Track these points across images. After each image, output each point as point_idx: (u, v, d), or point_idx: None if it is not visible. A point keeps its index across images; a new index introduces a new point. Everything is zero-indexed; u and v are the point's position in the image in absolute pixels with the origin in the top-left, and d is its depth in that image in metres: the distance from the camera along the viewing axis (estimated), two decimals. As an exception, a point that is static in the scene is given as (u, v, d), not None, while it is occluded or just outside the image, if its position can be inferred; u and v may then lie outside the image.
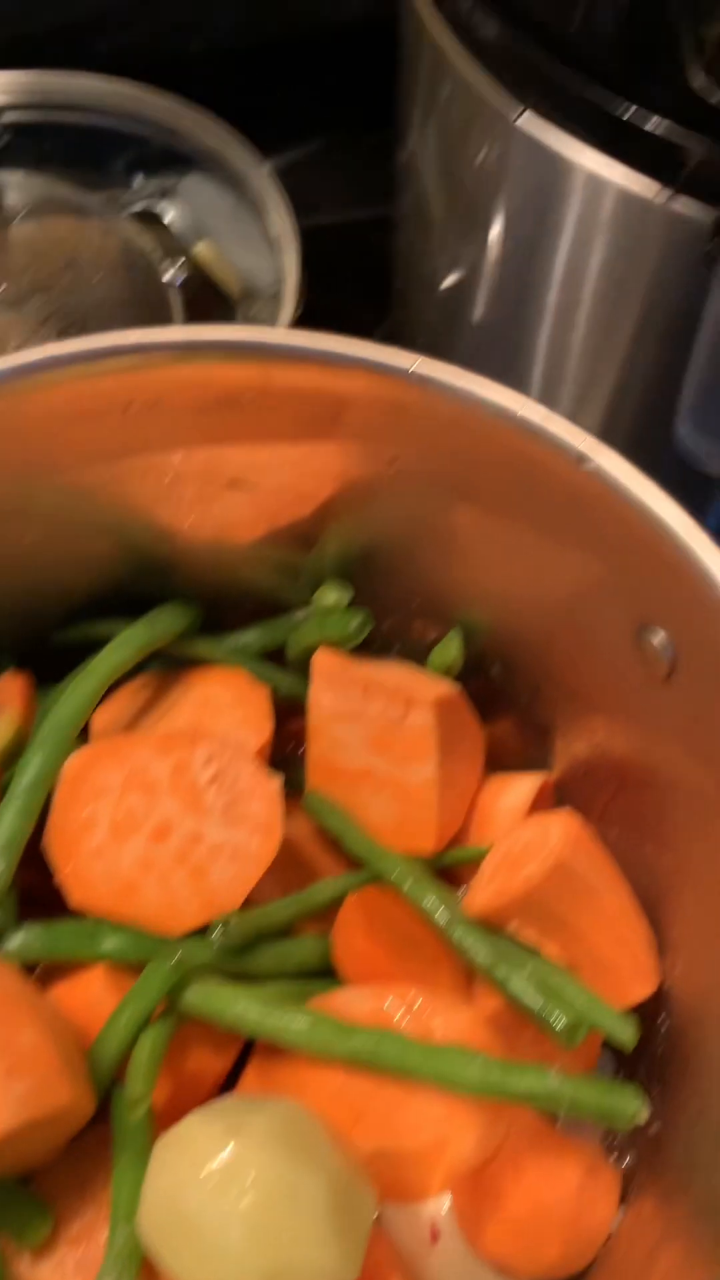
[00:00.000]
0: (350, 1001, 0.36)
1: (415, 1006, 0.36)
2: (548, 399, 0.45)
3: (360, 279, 0.61)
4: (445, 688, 0.41)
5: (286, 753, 0.44)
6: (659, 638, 0.34)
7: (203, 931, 0.37)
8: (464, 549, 0.39)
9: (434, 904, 0.39)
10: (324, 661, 0.41)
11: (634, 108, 0.33)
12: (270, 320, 0.54)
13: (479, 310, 0.45)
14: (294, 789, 0.43)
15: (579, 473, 0.33)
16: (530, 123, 0.35)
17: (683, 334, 0.36)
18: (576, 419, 0.44)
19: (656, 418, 0.40)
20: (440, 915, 0.39)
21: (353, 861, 0.41)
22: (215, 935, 0.37)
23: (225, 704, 0.42)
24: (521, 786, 0.43)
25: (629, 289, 0.38)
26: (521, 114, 0.35)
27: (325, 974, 0.39)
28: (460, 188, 0.41)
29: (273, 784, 0.38)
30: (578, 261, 0.38)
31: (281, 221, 0.54)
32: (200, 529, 0.41)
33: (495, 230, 0.41)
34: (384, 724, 0.41)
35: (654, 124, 0.33)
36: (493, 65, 0.36)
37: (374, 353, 0.34)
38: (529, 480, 0.34)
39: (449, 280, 0.45)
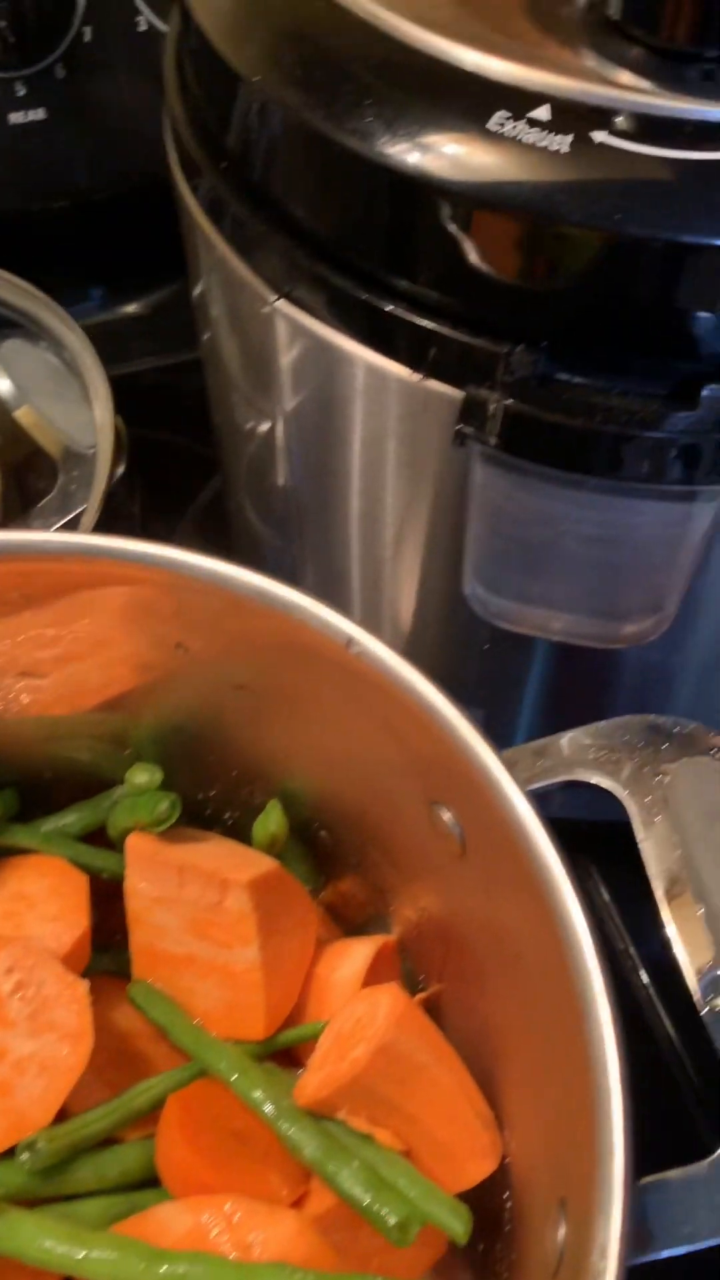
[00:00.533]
0: (167, 1220, 0.34)
1: (235, 1220, 0.34)
2: (365, 560, 0.45)
3: (190, 419, 0.61)
4: (262, 866, 0.40)
5: (115, 939, 0.43)
6: (448, 816, 0.33)
7: (11, 1153, 0.35)
8: (265, 723, 0.38)
9: (261, 1098, 0.37)
10: (137, 845, 0.40)
11: (380, 297, 0.33)
12: (90, 479, 0.53)
13: (281, 474, 0.45)
14: (125, 975, 0.42)
15: (349, 656, 0.32)
16: (287, 308, 0.36)
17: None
18: (392, 584, 0.45)
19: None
20: (268, 1109, 0.37)
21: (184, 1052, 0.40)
22: (23, 1158, 0.35)
23: (39, 897, 0.40)
24: (357, 954, 0.42)
25: (415, 461, 0.38)
26: (276, 300, 0.36)
27: (154, 1182, 0.37)
28: (245, 339, 0.41)
29: (80, 988, 0.36)
30: (366, 431, 0.39)
31: (95, 381, 0.54)
32: (4, 714, 0.40)
33: (280, 389, 0.41)
34: (202, 908, 0.39)
35: (401, 311, 0.33)
36: (251, 246, 0.37)
37: (138, 549, 0.34)
38: (309, 662, 0.34)
39: (252, 426, 0.45)
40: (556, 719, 0.48)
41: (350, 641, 0.32)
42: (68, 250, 0.70)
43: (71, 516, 0.54)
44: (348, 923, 0.46)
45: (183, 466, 0.72)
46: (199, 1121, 0.37)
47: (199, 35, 0.36)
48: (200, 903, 0.39)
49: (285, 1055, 0.42)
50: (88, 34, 0.59)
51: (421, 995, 0.42)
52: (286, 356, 0.38)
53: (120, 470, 0.56)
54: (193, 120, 0.39)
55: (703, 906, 0.29)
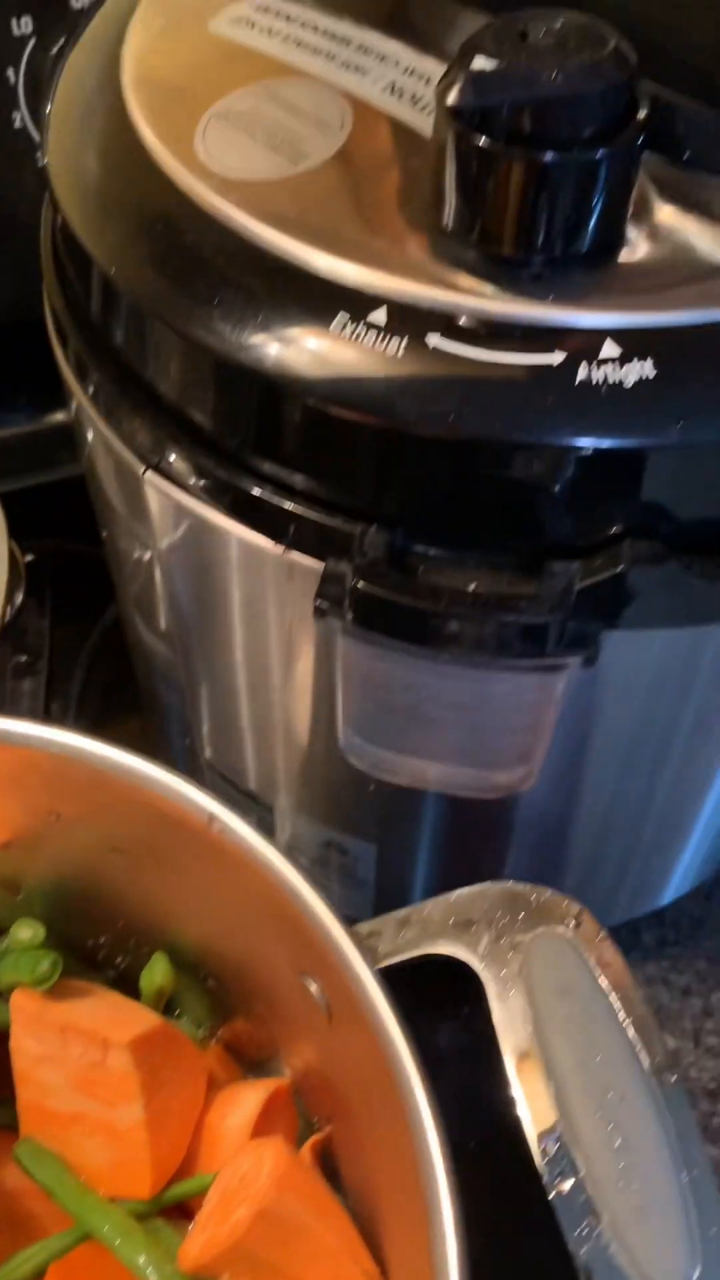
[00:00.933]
0: None
1: None
2: (251, 700, 0.45)
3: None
4: (145, 1023, 0.40)
5: (6, 1092, 0.43)
6: (314, 986, 0.34)
7: None
8: (144, 883, 0.39)
9: (144, 1264, 0.37)
10: (21, 1004, 0.40)
11: (241, 475, 0.34)
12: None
13: (163, 612, 0.45)
14: (15, 1130, 0.42)
15: (211, 830, 0.33)
16: (155, 479, 0.37)
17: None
18: (280, 726, 0.45)
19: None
20: (151, 1275, 0.37)
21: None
22: None
23: None
24: (247, 1101, 0.42)
25: (285, 623, 0.38)
26: (145, 472, 0.36)
27: None
28: (120, 487, 0.42)
29: (-42, 1162, 0.36)
30: (239, 591, 0.39)
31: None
32: None
33: (156, 537, 0.41)
34: (85, 1067, 0.39)
35: (261, 490, 0.34)
36: (118, 415, 0.38)
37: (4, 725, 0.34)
38: (177, 833, 0.34)
39: (137, 556, 0.45)
40: (455, 853, 0.49)
41: (211, 819, 0.33)
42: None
43: (-29, 649, 0.54)
44: (247, 1060, 0.45)
45: (95, 576, 0.72)
46: (80, 1291, 0.37)
47: (63, 216, 0.37)
48: (83, 1061, 0.39)
49: (177, 1208, 0.42)
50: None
51: (315, 1139, 0.42)
52: (155, 514, 0.38)
53: (19, 599, 0.56)
54: (62, 288, 0.40)
55: (552, 1085, 0.29)
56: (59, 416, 0.81)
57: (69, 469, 0.77)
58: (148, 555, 0.45)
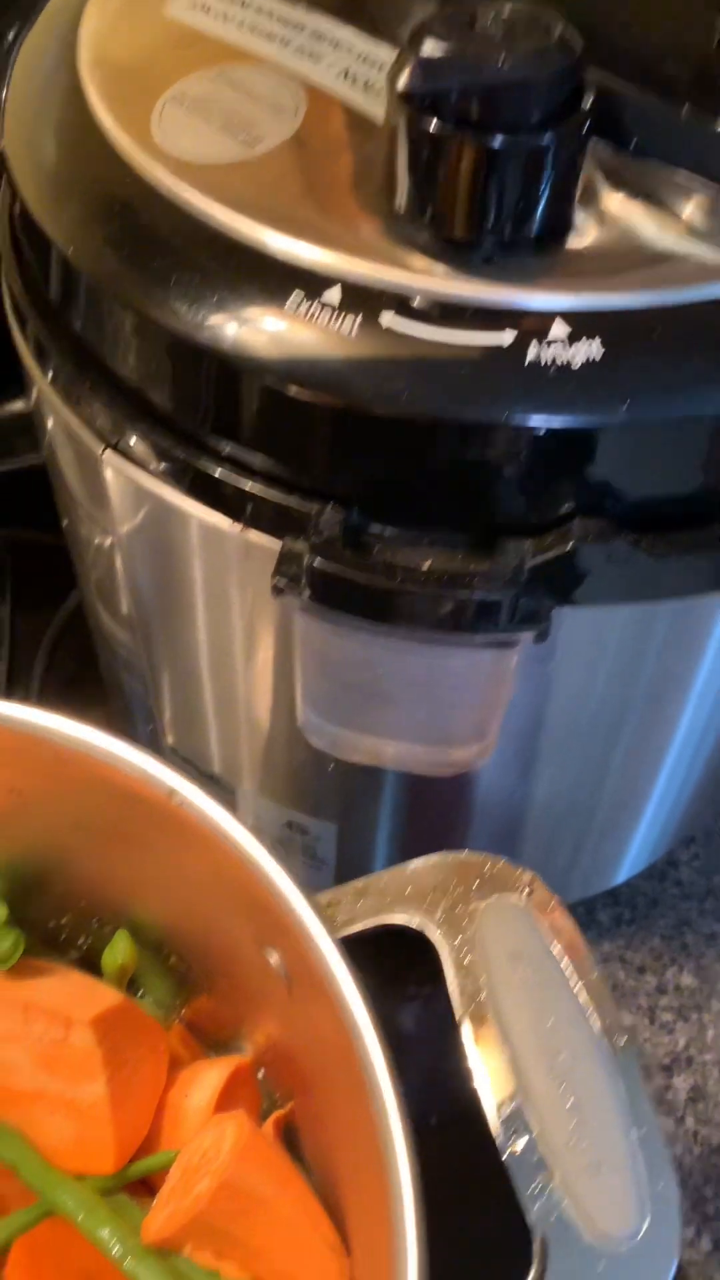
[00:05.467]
0: None
1: None
2: (213, 680, 0.46)
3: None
4: (107, 1001, 0.40)
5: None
6: (275, 957, 0.34)
7: None
8: (106, 860, 0.39)
9: (107, 1237, 0.37)
10: (-17, 983, 0.40)
11: (198, 455, 0.35)
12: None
13: (124, 596, 0.46)
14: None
15: (171, 804, 0.33)
16: (115, 460, 0.37)
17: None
18: (242, 706, 0.46)
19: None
20: (114, 1249, 0.37)
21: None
22: None
23: None
24: (209, 1079, 0.42)
25: (244, 603, 0.39)
26: (104, 452, 0.37)
27: (2, 1328, 0.37)
28: (79, 469, 0.42)
29: None
30: (201, 572, 0.40)
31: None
32: None
33: (116, 518, 0.41)
34: (48, 1044, 0.39)
35: (219, 470, 0.35)
36: (76, 396, 0.38)
37: (-38, 704, 0.34)
38: (138, 807, 0.35)
39: (98, 542, 0.46)
40: (414, 830, 0.50)
41: (171, 793, 0.33)
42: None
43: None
44: (209, 1038, 0.46)
45: (55, 565, 0.73)
46: (44, 1264, 0.37)
47: (20, 198, 0.37)
48: (46, 1039, 0.40)
49: (141, 1185, 0.42)
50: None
51: (277, 1114, 0.43)
52: (115, 496, 0.39)
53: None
54: (20, 271, 0.40)
55: (507, 1047, 0.30)
56: (16, 406, 0.81)
57: (26, 459, 0.77)
58: (108, 541, 0.45)
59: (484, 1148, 0.34)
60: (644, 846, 0.56)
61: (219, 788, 0.53)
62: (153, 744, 0.56)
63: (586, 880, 0.56)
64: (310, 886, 0.33)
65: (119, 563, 0.44)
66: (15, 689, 0.67)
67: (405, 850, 0.50)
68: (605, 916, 0.60)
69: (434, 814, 0.47)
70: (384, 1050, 0.29)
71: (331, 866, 0.50)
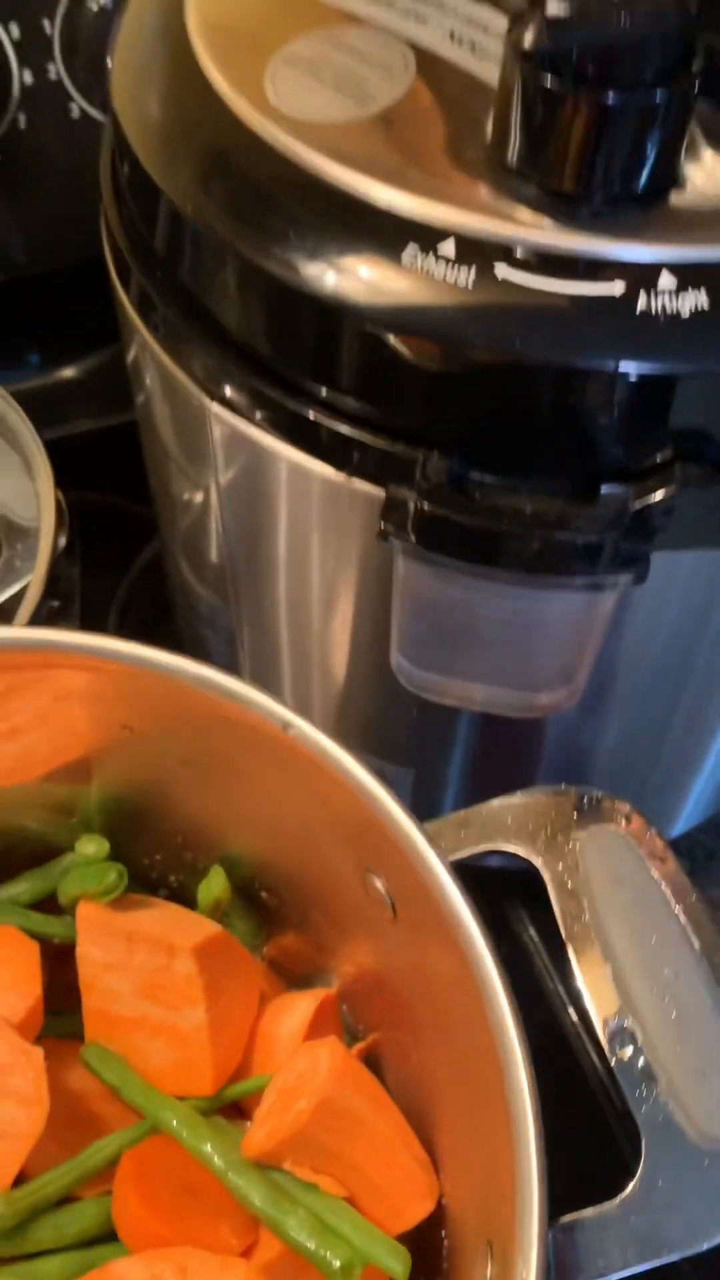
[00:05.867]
0: (123, 1274, 0.36)
1: (188, 1272, 0.36)
2: (296, 631, 0.47)
3: (129, 481, 0.63)
4: (206, 931, 0.42)
5: (68, 1001, 0.45)
6: (380, 883, 0.36)
7: (-26, 1218, 0.37)
8: (208, 795, 0.41)
9: (210, 1152, 0.39)
10: (87, 914, 0.42)
11: (306, 405, 0.36)
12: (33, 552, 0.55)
13: (214, 546, 0.47)
14: (79, 1038, 0.44)
15: (286, 736, 0.35)
16: (220, 411, 0.38)
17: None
18: (322, 653, 0.47)
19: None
20: (216, 1162, 0.39)
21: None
22: (-15, 1222, 0.37)
23: (-7, 967, 0.42)
24: (299, 1009, 0.44)
25: (342, 549, 0.40)
26: (212, 404, 0.38)
27: (112, 1237, 0.39)
28: (178, 421, 0.44)
29: (35, 1056, 0.38)
30: (295, 519, 0.41)
31: (35, 455, 0.56)
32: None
33: (213, 470, 0.43)
34: (150, 972, 0.41)
35: (325, 419, 0.36)
36: (181, 347, 0.39)
37: (83, 641, 0.36)
38: (249, 742, 0.36)
39: (187, 497, 0.47)
40: (486, 778, 0.51)
41: (287, 725, 0.35)
42: (4, 319, 0.72)
43: (15, 590, 0.56)
44: (290, 976, 0.48)
45: (123, 527, 0.74)
46: (152, 1177, 0.39)
47: (131, 157, 0.38)
48: (148, 967, 0.41)
49: (233, 1108, 0.44)
50: (22, 120, 0.61)
51: (360, 1046, 0.45)
52: (217, 446, 0.40)
53: (62, 542, 0.58)
54: (125, 226, 0.41)
55: (610, 964, 0.32)
56: (69, 372, 0.82)
57: (83, 424, 0.78)
58: (199, 496, 0.46)
59: (578, 1076, 0.35)
60: (702, 799, 0.57)
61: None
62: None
63: (648, 830, 0.58)
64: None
65: (214, 516, 0.45)
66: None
67: (478, 796, 0.52)
68: (662, 869, 0.62)
69: (507, 759, 0.49)
70: (501, 976, 0.30)
71: (406, 813, 0.52)
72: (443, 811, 0.54)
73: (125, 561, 0.72)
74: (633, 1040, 0.31)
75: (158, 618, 0.67)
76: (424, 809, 0.54)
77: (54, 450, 0.59)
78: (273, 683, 0.52)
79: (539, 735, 0.47)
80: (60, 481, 0.63)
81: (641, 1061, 0.30)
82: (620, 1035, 0.31)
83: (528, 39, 0.30)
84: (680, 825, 0.59)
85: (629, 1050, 0.30)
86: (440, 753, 0.48)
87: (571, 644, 0.38)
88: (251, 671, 0.53)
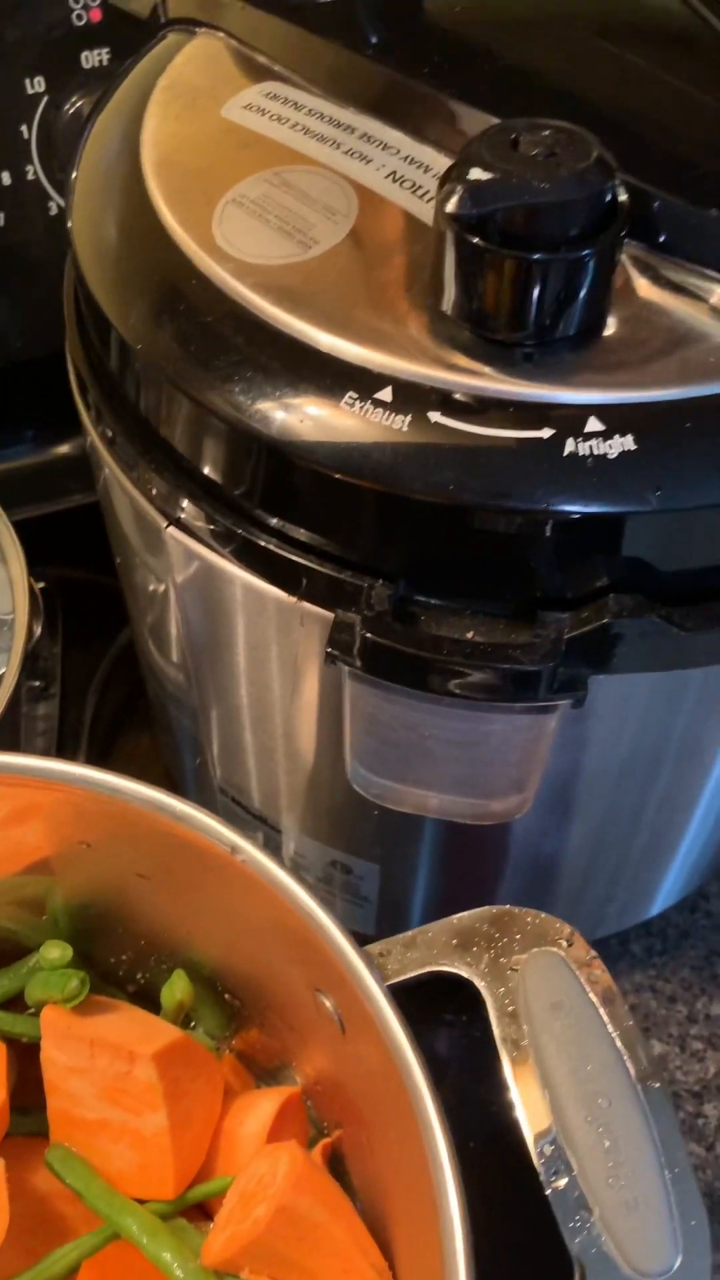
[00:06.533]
0: None
1: None
2: (258, 734, 0.48)
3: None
4: (168, 1036, 0.43)
5: (40, 1098, 0.45)
6: (329, 1001, 0.37)
7: (-65, 1330, 0.38)
8: (166, 906, 0.42)
9: (169, 1260, 0.40)
10: (51, 1019, 0.43)
11: (256, 531, 0.37)
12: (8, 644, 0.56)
13: (175, 645, 0.48)
14: (47, 1135, 0.44)
15: (234, 860, 0.36)
16: (174, 532, 0.39)
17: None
18: (285, 754, 0.48)
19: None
20: (176, 1271, 0.40)
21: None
22: (-56, 1335, 0.37)
23: (-40, 1070, 0.43)
24: (262, 1109, 0.45)
25: (297, 665, 0.41)
26: (166, 528, 0.39)
27: (74, 1344, 0.40)
28: (136, 529, 0.45)
29: (-3, 1168, 0.39)
30: (250, 634, 0.42)
31: (7, 542, 0.57)
32: None
33: (170, 572, 0.44)
34: (112, 1077, 0.42)
35: (275, 546, 0.37)
36: (137, 468, 0.40)
37: (35, 765, 0.37)
38: (201, 861, 0.37)
39: (152, 588, 0.48)
40: (454, 873, 0.52)
41: (235, 849, 0.36)
42: (2, 400, 0.74)
43: (-6, 677, 0.57)
44: (259, 1068, 0.48)
45: (110, 603, 0.76)
46: (112, 1286, 0.40)
47: (86, 289, 0.40)
48: (110, 1073, 0.42)
49: (197, 1208, 0.45)
50: (2, 218, 0.63)
51: (324, 1143, 0.45)
52: (174, 559, 0.41)
53: (38, 630, 0.59)
54: (85, 347, 0.43)
55: (547, 1091, 0.32)
56: (64, 448, 0.84)
57: (77, 499, 0.80)
58: (162, 587, 0.48)
59: (521, 1171, 0.36)
60: (676, 881, 0.58)
61: (264, 825, 0.56)
62: (200, 776, 0.58)
63: (621, 913, 0.59)
64: (355, 929, 0.35)
65: (172, 611, 0.46)
66: (67, 724, 0.70)
67: (446, 889, 0.53)
68: (638, 948, 0.62)
69: (474, 856, 0.49)
70: (432, 1091, 0.31)
71: (374, 904, 0.53)
72: (413, 903, 0.55)
73: (107, 635, 0.73)
74: (569, 1168, 0.31)
75: (140, 692, 0.68)
76: (393, 901, 0.55)
77: (47, 526, 0.60)
78: (239, 770, 0.53)
79: (505, 834, 0.48)
80: (53, 557, 0.64)
81: (576, 1191, 0.31)
82: (556, 1163, 0.31)
83: (452, 203, 0.31)
84: (656, 906, 0.60)
85: (564, 1180, 0.31)
86: (408, 850, 0.49)
87: (519, 759, 0.39)
88: (220, 756, 0.54)
